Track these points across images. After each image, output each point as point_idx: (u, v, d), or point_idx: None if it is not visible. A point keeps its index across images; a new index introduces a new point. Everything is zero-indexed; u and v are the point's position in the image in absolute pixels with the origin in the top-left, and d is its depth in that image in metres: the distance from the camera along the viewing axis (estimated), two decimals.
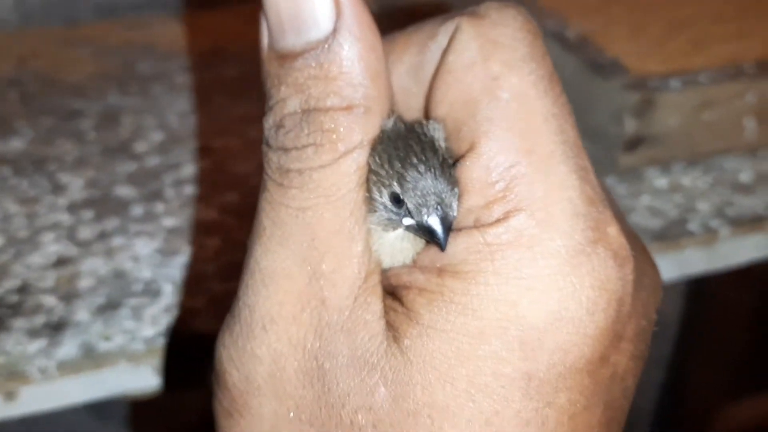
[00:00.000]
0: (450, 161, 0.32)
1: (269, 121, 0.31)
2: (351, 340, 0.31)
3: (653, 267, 0.35)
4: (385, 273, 0.33)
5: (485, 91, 0.31)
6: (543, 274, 0.29)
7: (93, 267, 0.57)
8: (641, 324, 0.33)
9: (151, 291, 0.55)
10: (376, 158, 0.32)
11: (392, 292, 0.32)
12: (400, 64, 0.34)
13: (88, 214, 0.63)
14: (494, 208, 0.31)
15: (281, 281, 0.31)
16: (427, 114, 0.34)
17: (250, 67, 0.81)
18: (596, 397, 0.31)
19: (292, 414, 0.31)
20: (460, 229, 0.31)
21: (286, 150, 0.31)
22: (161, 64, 0.85)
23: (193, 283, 0.55)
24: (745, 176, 0.71)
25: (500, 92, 0.31)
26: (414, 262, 0.33)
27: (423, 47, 0.34)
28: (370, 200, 0.32)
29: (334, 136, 0.30)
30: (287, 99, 0.31)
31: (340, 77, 0.30)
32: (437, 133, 0.33)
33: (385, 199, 0.32)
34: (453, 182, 0.32)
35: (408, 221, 0.32)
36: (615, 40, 0.73)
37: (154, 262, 0.57)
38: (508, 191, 0.30)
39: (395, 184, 0.32)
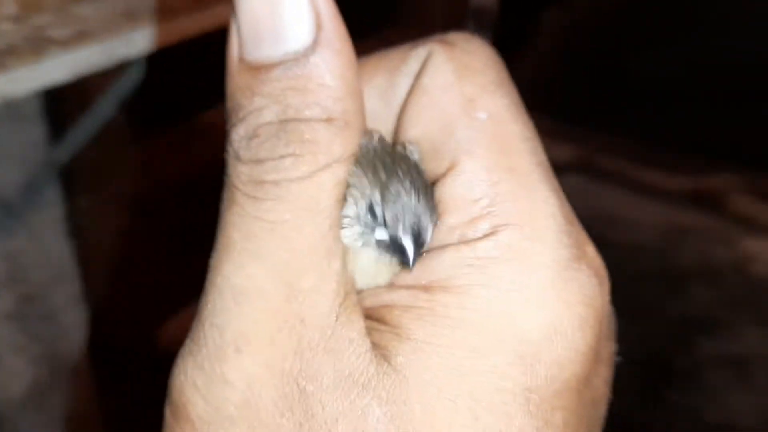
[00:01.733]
0: (430, 186, 0.31)
1: (239, 132, 0.29)
2: (336, 360, 0.28)
3: None
4: (359, 295, 0.31)
5: (463, 112, 0.31)
6: (537, 287, 0.29)
7: None
8: (611, 348, 0.33)
9: None
10: (357, 170, 0.30)
11: (368, 315, 0.30)
12: (369, 88, 0.33)
13: None
14: (480, 223, 0.30)
15: (256, 299, 0.28)
16: (396, 137, 0.33)
17: None
18: (582, 421, 0.30)
19: None
20: (445, 246, 0.30)
21: (260, 161, 0.29)
22: None
23: None
24: None
25: (477, 113, 0.31)
26: (390, 284, 0.31)
27: (393, 71, 0.34)
28: (343, 217, 0.30)
29: (315, 147, 0.28)
30: (262, 109, 0.29)
31: (319, 90, 0.29)
32: (417, 155, 0.32)
33: (361, 209, 0.31)
34: (432, 208, 0.31)
35: (381, 234, 0.31)
36: None
37: None
38: (492, 207, 0.30)
39: (376, 193, 0.31)
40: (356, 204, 0.30)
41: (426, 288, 0.30)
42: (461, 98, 0.31)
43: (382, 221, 0.31)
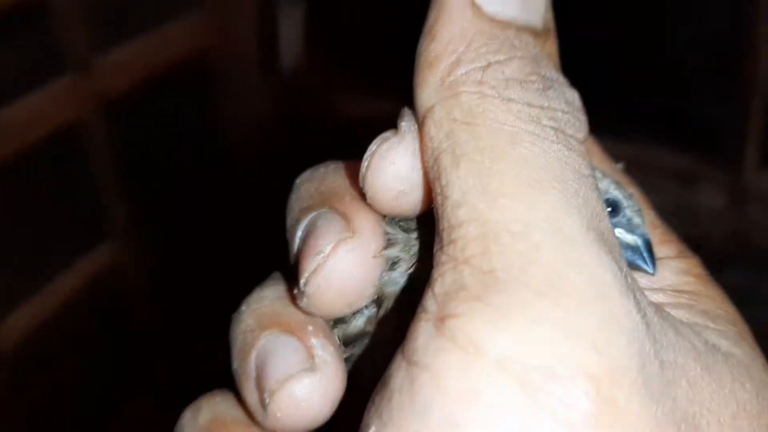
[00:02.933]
0: None
1: (502, 72, 0.26)
2: (717, 383, 0.24)
3: None
4: None
5: (605, 158, 0.33)
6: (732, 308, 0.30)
7: None
8: None
9: None
10: None
11: None
12: None
13: None
14: (670, 245, 0.31)
15: (595, 262, 0.23)
16: None
17: None
18: None
19: None
20: (660, 258, 0.31)
21: (536, 107, 0.26)
22: None
23: None
24: None
25: (614, 164, 0.33)
26: None
27: None
28: None
29: (581, 115, 0.27)
30: (522, 59, 0.27)
31: (555, 68, 0.28)
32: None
33: None
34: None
35: (621, 235, 0.29)
36: None
37: None
38: (670, 235, 0.32)
39: (613, 187, 0.29)
40: None
41: (677, 292, 0.29)
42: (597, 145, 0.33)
43: (626, 219, 0.29)
